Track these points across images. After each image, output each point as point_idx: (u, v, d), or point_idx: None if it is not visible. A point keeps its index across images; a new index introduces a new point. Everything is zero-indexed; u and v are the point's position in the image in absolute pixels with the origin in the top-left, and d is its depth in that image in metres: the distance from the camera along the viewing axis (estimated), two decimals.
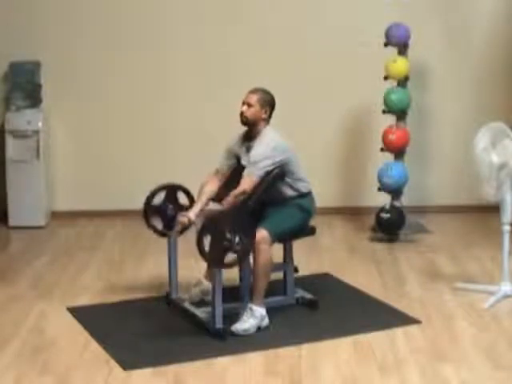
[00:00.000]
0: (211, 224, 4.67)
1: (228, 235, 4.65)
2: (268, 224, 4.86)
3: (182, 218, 5.02)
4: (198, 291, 5.21)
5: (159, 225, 5.29)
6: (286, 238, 5.05)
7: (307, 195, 5.10)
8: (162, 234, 5.31)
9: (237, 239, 4.67)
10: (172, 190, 5.31)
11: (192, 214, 4.99)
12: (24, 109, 7.06)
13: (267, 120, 5.02)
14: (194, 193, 5.21)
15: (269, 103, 5.01)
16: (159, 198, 5.29)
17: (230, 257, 4.71)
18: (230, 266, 4.76)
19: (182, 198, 5.32)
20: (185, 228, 5.11)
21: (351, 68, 7.16)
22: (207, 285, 5.09)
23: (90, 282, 5.72)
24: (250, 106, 4.97)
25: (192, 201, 5.26)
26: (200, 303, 5.12)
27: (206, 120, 7.21)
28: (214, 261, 4.70)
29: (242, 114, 4.98)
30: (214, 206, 5.07)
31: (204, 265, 5.13)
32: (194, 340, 4.71)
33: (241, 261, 4.81)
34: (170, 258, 5.23)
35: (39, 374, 4.29)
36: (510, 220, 5.29)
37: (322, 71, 7.20)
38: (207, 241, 4.66)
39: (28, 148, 7.01)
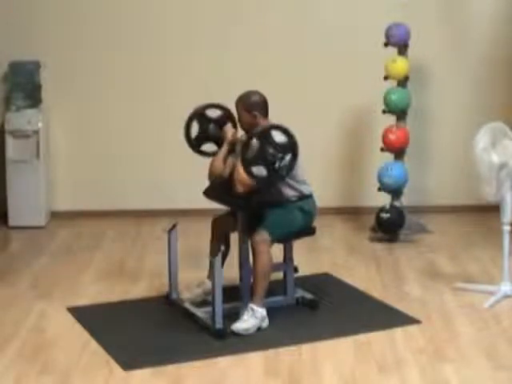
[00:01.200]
0: (256, 135, 4.70)
1: (270, 150, 4.69)
2: (268, 225, 4.86)
3: (229, 130, 5.11)
4: (200, 291, 5.21)
5: (211, 147, 5.26)
6: (285, 239, 5.06)
7: (308, 197, 5.10)
8: (191, 144, 5.28)
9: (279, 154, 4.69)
10: (228, 116, 5.24)
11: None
12: (24, 109, 7.05)
13: (264, 119, 5.01)
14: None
15: (254, 105, 5.01)
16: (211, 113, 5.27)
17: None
18: (281, 178, 4.79)
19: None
20: (221, 144, 5.13)
21: (351, 68, 7.16)
22: (210, 285, 5.08)
23: (90, 282, 5.72)
24: (239, 116, 5.03)
25: (225, 110, 5.25)
26: (201, 303, 5.12)
27: None
28: (248, 163, 4.70)
29: (241, 127, 5.05)
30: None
31: (206, 265, 5.13)
32: (194, 340, 4.72)
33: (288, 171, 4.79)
34: (169, 258, 5.23)
35: (39, 374, 4.30)
36: (510, 220, 5.29)
37: (322, 71, 7.20)
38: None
39: (28, 148, 7.01)
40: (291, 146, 4.76)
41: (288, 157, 4.75)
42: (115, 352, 4.54)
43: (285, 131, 4.76)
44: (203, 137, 5.26)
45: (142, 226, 7.05)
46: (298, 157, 4.78)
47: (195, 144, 5.27)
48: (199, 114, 5.25)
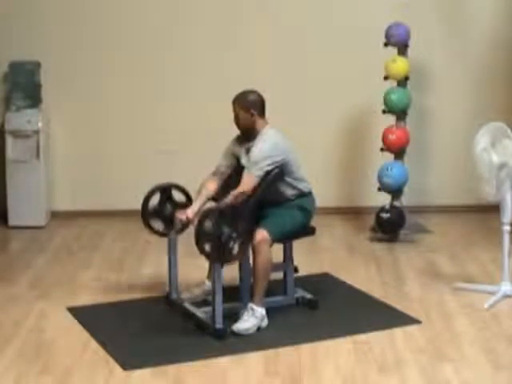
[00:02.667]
0: (204, 220, 4.66)
1: (225, 229, 4.65)
2: (268, 224, 4.86)
3: (181, 216, 5.02)
4: (200, 292, 5.21)
5: (159, 226, 5.28)
6: (286, 238, 5.06)
7: (308, 195, 5.10)
8: (162, 234, 5.30)
9: (234, 233, 4.66)
10: (166, 190, 5.30)
11: (190, 211, 4.98)
12: (24, 109, 7.05)
13: (261, 118, 5.01)
14: (192, 192, 5.20)
15: (251, 103, 5.00)
16: (156, 199, 5.28)
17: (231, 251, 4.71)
18: (231, 259, 4.76)
19: (178, 197, 5.31)
20: (184, 226, 5.11)
21: (351, 68, 7.16)
22: (210, 285, 5.08)
23: (90, 282, 5.72)
24: (236, 114, 5.01)
25: (188, 198, 5.25)
26: (201, 303, 5.12)
27: (206, 120, 7.20)
28: (214, 257, 4.69)
29: (236, 125, 5.04)
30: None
31: (206, 265, 5.13)
32: (194, 340, 4.72)
33: (240, 256, 4.80)
34: (169, 258, 5.23)
35: (39, 374, 4.30)
36: (510, 220, 5.29)
37: (322, 71, 7.20)
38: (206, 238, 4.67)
39: (28, 148, 7.01)
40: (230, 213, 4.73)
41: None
42: (115, 352, 4.54)
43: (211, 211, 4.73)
44: (169, 221, 5.23)
45: (142, 226, 7.02)
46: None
47: (168, 231, 5.23)
48: (149, 214, 5.25)
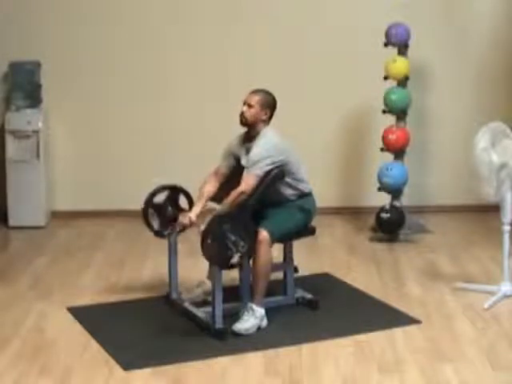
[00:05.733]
0: (215, 226, 4.68)
1: (232, 237, 4.67)
2: (268, 225, 4.86)
3: (184, 219, 5.02)
4: (200, 292, 5.22)
5: (155, 223, 5.27)
6: (286, 238, 5.06)
7: (308, 196, 5.10)
8: (158, 234, 5.29)
9: (241, 242, 4.69)
10: (174, 191, 5.31)
11: (193, 214, 4.99)
12: (24, 109, 7.05)
13: (267, 122, 5.01)
14: (194, 193, 5.21)
15: (269, 105, 5.00)
16: (160, 198, 5.29)
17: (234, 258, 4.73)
18: (233, 267, 4.78)
19: (182, 202, 5.32)
20: (184, 228, 5.11)
21: (351, 68, 7.16)
22: (210, 285, 5.07)
23: (90, 282, 5.72)
24: (250, 106, 4.96)
25: (191, 204, 5.26)
26: (201, 303, 5.12)
27: (206, 120, 7.21)
28: (219, 263, 4.71)
29: (242, 114, 4.97)
30: (213, 206, 5.07)
31: (206, 265, 5.13)
32: (194, 340, 4.72)
33: (243, 261, 4.82)
34: (170, 258, 5.23)
35: (39, 374, 4.30)
36: (510, 220, 5.29)
37: (323, 71, 7.20)
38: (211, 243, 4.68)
39: (28, 148, 7.01)
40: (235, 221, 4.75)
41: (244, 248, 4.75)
42: (115, 352, 4.54)
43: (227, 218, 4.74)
44: (165, 222, 5.23)
45: (142, 226, 7.02)
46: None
47: (161, 231, 5.24)
48: (151, 207, 5.24)
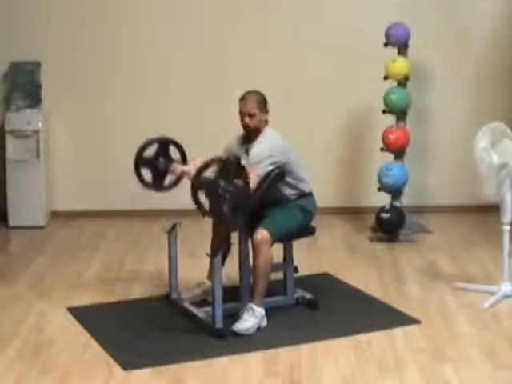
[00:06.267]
0: (202, 174, 4.60)
1: (224, 183, 4.57)
2: (269, 224, 4.86)
3: (176, 168, 5.01)
4: (200, 291, 5.21)
5: (148, 177, 5.19)
6: (286, 238, 5.06)
7: (308, 196, 5.10)
8: (147, 185, 5.21)
9: (232, 189, 4.57)
10: (164, 143, 5.21)
11: (185, 167, 4.97)
12: (24, 109, 7.05)
13: (267, 119, 5.02)
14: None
15: (264, 102, 5.01)
16: (150, 152, 5.20)
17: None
18: (220, 218, 4.68)
19: (174, 154, 5.25)
20: (177, 180, 5.06)
21: (351, 68, 7.16)
22: (210, 285, 5.08)
23: (90, 282, 5.72)
24: (251, 115, 4.95)
25: (184, 156, 5.19)
26: (201, 303, 5.12)
27: (206, 120, 7.21)
28: (213, 212, 4.62)
29: (246, 125, 4.96)
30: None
31: (206, 265, 5.13)
32: (194, 340, 4.71)
33: (230, 219, 4.66)
34: (170, 258, 5.23)
35: (39, 374, 4.30)
36: (510, 220, 5.29)
37: (322, 71, 7.20)
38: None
39: (28, 148, 7.01)
40: (227, 168, 4.64)
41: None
42: (115, 352, 4.54)
43: (209, 162, 4.65)
44: (159, 175, 5.19)
45: (142, 226, 7.05)
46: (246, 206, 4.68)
47: (157, 185, 5.21)
48: (141, 160, 5.18)
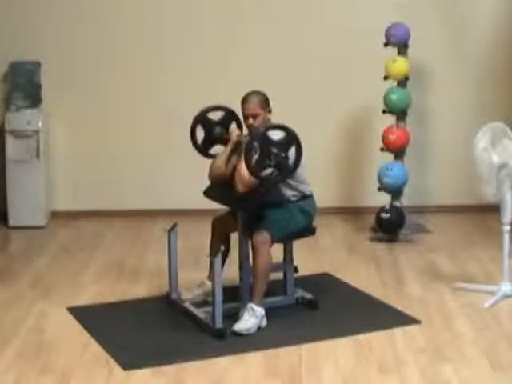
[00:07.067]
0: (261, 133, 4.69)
1: (275, 150, 4.67)
2: (269, 226, 4.86)
3: (234, 134, 5.04)
4: (201, 292, 5.21)
5: (200, 139, 5.19)
6: (286, 239, 5.06)
7: (309, 197, 5.10)
8: (197, 145, 5.20)
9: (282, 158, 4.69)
10: (230, 116, 5.20)
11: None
12: (24, 109, 7.05)
13: (270, 116, 5.02)
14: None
15: (266, 101, 5.01)
16: (214, 116, 5.21)
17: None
18: (263, 179, 4.74)
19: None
20: (235, 144, 5.07)
21: (351, 68, 7.16)
22: (210, 286, 5.07)
23: (90, 282, 5.72)
24: (255, 116, 4.95)
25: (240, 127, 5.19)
26: (201, 303, 5.12)
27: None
28: (255, 168, 4.68)
29: (250, 126, 4.96)
30: None
31: (207, 265, 5.13)
32: (194, 340, 4.71)
33: (278, 175, 4.76)
34: (170, 258, 5.23)
35: (39, 374, 4.29)
36: (510, 220, 5.29)
37: (322, 71, 7.20)
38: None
39: (28, 148, 7.01)
40: (292, 140, 4.76)
41: (292, 151, 4.74)
42: (115, 352, 4.54)
43: (282, 127, 4.75)
44: (210, 140, 5.20)
45: (142, 226, 7.05)
46: (301, 147, 4.75)
47: (203, 148, 5.22)
48: (202, 118, 5.19)
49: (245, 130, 5.09)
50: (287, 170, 4.77)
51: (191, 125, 5.19)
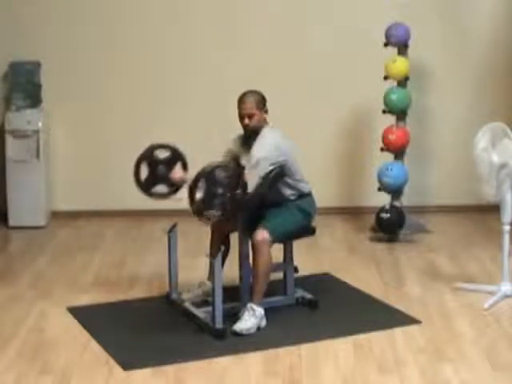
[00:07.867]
0: (207, 172, 4.64)
1: (219, 189, 4.62)
2: (268, 225, 4.86)
3: (177, 175, 5.02)
4: (200, 292, 5.21)
5: (163, 189, 5.17)
6: (286, 238, 5.06)
7: (308, 196, 5.10)
8: (139, 183, 5.17)
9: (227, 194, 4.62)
10: (176, 156, 5.17)
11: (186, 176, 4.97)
12: (24, 109, 7.05)
13: (267, 117, 5.02)
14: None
15: (263, 101, 5.00)
16: (161, 155, 5.18)
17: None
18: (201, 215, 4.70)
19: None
20: (175, 187, 5.06)
21: (351, 68, 7.16)
22: (210, 286, 5.08)
23: (90, 282, 5.72)
24: (250, 116, 4.95)
25: (173, 152, 5.17)
26: (201, 303, 5.12)
27: (206, 121, 7.21)
28: (206, 206, 4.64)
29: (246, 126, 4.96)
30: None
31: (206, 265, 5.13)
32: (194, 340, 4.71)
33: (225, 213, 4.70)
34: (170, 258, 5.23)
35: (39, 374, 4.30)
36: (510, 220, 5.29)
37: (323, 71, 7.20)
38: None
39: (28, 148, 7.01)
40: (237, 181, 4.69)
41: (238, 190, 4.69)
42: (115, 352, 4.54)
43: (226, 168, 4.71)
44: (153, 179, 5.17)
45: (142, 226, 7.05)
46: (246, 186, 4.70)
47: (145, 186, 5.18)
48: (148, 156, 5.17)
49: (190, 171, 5.02)
50: (238, 199, 4.69)
51: (136, 161, 5.17)
